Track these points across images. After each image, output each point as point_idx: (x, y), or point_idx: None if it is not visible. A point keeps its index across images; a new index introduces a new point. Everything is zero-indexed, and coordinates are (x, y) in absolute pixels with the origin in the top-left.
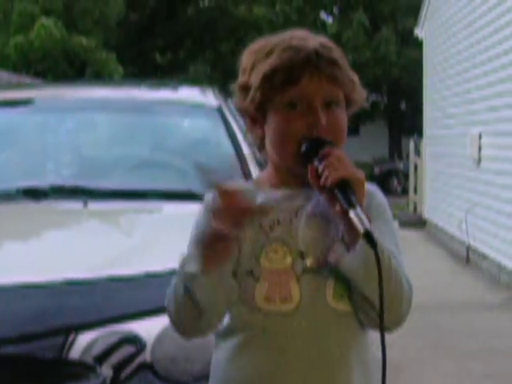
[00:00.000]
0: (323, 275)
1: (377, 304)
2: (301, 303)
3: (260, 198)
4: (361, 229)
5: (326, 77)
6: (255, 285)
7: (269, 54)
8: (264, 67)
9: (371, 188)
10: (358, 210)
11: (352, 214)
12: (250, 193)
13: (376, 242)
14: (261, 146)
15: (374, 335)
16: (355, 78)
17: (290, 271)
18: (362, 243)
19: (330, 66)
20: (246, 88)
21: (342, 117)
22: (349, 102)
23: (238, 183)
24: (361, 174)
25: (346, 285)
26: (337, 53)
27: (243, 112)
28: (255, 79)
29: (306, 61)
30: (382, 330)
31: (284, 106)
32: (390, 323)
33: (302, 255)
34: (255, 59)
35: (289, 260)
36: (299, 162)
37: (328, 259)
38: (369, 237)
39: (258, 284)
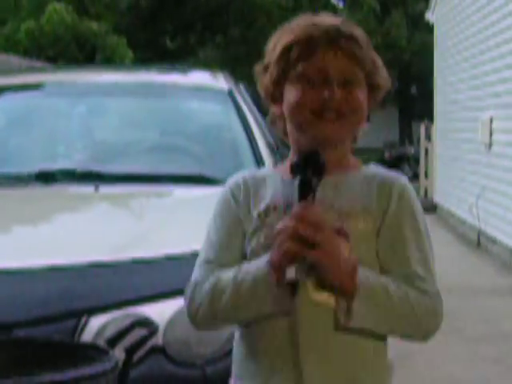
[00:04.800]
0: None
1: (394, 334)
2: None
3: (270, 189)
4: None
5: (343, 52)
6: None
7: (289, 32)
8: (282, 42)
9: (400, 181)
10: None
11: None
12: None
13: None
14: (282, 129)
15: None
16: (378, 60)
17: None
18: (357, 305)
19: (347, 42)
20: (266, 68)
21: (360, 96)
22: (371, 85)
23: (252, 170)
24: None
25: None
26: (359, 32)
27: (264, 93)
28: (274, 55)
29: (324, 35)
30: None
31: (299, 79)
32: (416, 338)
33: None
34: (276, 40)
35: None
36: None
37: (339, 320)
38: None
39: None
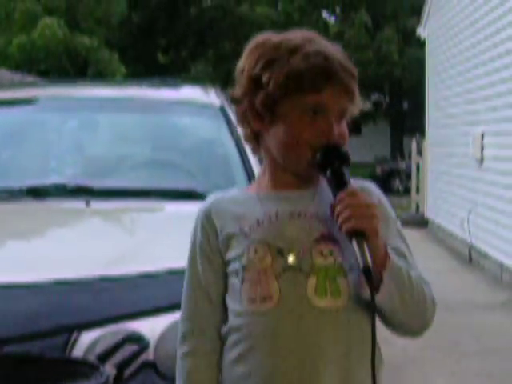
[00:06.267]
0: (304, 272)
1: (401, 323)
2: (280, 301)
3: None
4: (361, 264)
5: (346, 90)
6: (241, 286)
7: (292, 53)
8: (288, 68)
9: (366, 185)
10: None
11: (355, 246)
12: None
13: (373, 285)
14: (254, 142)
15: (383, 334)
16: (357, 89)
17: (269, 270)
18: (387, 278)
19: (351, 80)
20: (257, 81)
21: (346, 129)
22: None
23: (230, 191)
24: (373, 222)
25: (330, 282)
26: (352, 63)
27: (248, 107)
28: (276, 77)
29: (333, 71)
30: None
31: (300, 111)
32: (417, 329)
33: (282, 252)
34: (275, 55)
35: (268, 259)
36: (311, 168)
37: (361, 294)
38: (368, 275)
39: (243, 285)
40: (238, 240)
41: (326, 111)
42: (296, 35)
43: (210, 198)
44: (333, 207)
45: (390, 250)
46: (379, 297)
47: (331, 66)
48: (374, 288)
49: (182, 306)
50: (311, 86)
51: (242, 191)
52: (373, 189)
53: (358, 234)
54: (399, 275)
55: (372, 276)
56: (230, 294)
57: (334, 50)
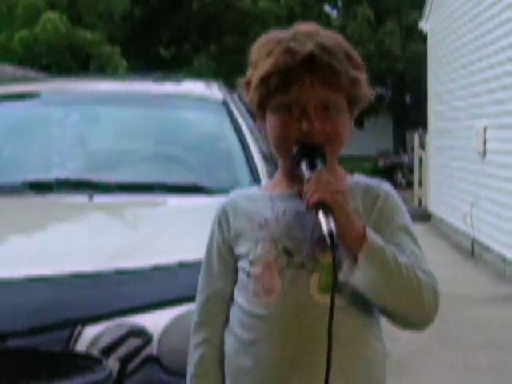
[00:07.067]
0: (308, 269)
1: (396, 312)
2: (281, 295)
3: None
4: (325, 230)
5: (320, 81)
6: (247, 281)
7: (269, 54)
8: (261, 69)
9: (376, 183)
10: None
11: (320, 216)
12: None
13: (336, 246)
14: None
15: (387, 330)
16: (360, 75)
17: (272, 265)
18: (362, 259)
19: (324, 71)
20: (248, 84)
21: (341, 120)
22: (352, 101)
23: (250, 188)
24: (338, 196)
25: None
26: (337, 53)
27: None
28: (254, 79)
29: (300, 65)
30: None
31: (279, 108)
32: (418, 320)
33: (288, 251)
34: (258, 56)
35: (273, 255)
36: (292, 163)
37: (339, 279)
38: (331, 239)
39: (249, 280)
40: (247, 237)
41: (301, 107)
42: (287, 32)
43: (230, 194)
44: (300, 191)
45: (370, 232)
46: (356, 278)
47: (298, 62)
48: (336, 254)
49: (196, 297)
50: (278, 86)
51: (260, 189)
52: (386, 188)
53: (323, 207)
54: (380, 256)
55: (335, 242)
56: (238, 289)
57: (313, 43)
